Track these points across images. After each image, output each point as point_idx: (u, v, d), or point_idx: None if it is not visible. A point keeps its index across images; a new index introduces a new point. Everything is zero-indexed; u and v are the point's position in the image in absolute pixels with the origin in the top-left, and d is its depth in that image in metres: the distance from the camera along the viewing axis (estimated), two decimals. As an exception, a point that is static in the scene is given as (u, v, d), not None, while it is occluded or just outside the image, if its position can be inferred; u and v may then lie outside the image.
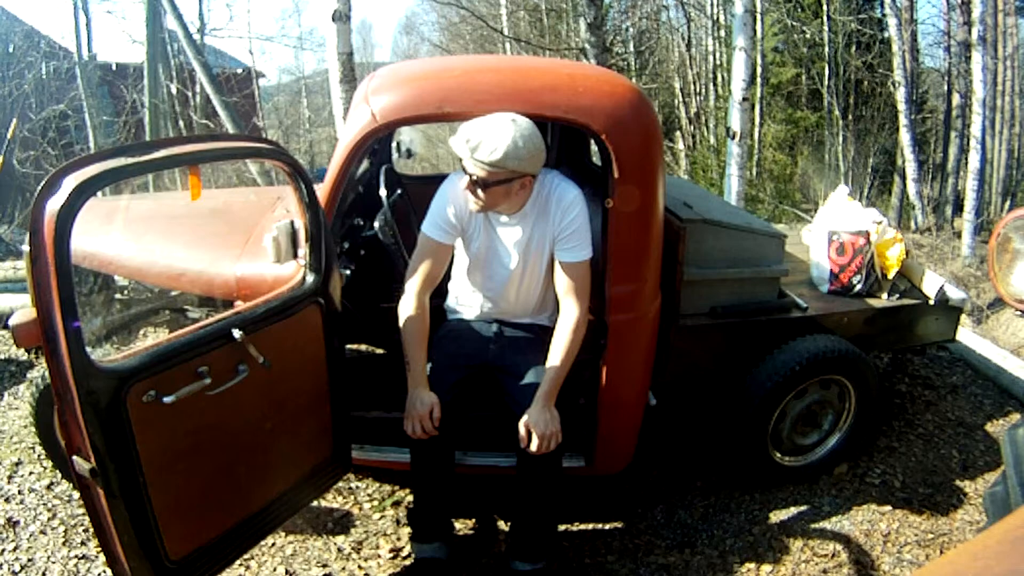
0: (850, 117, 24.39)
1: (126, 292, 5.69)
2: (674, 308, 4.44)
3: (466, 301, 4.34)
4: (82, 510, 4.53)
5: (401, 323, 3.82)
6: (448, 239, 3.93)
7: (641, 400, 4.30)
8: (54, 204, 2.53)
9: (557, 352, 3.77)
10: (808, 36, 24.16)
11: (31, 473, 5.14)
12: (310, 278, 3.66)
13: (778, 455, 4.93)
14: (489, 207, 3.74)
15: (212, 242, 4.73)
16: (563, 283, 3.87)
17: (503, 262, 4.02)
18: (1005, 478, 3.21)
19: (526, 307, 4.23)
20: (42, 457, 5.14)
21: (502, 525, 4.60)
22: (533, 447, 3.62)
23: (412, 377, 3.75)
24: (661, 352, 4.36)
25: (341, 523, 4.64)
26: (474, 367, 4.15)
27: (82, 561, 4.30)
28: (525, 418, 3.66)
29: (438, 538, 4.09)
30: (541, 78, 4.03)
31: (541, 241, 3.92)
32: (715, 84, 26.61)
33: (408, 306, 3.82)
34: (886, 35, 20.70)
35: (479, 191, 3.60)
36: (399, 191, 4.82)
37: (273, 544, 4.40)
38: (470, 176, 3.57)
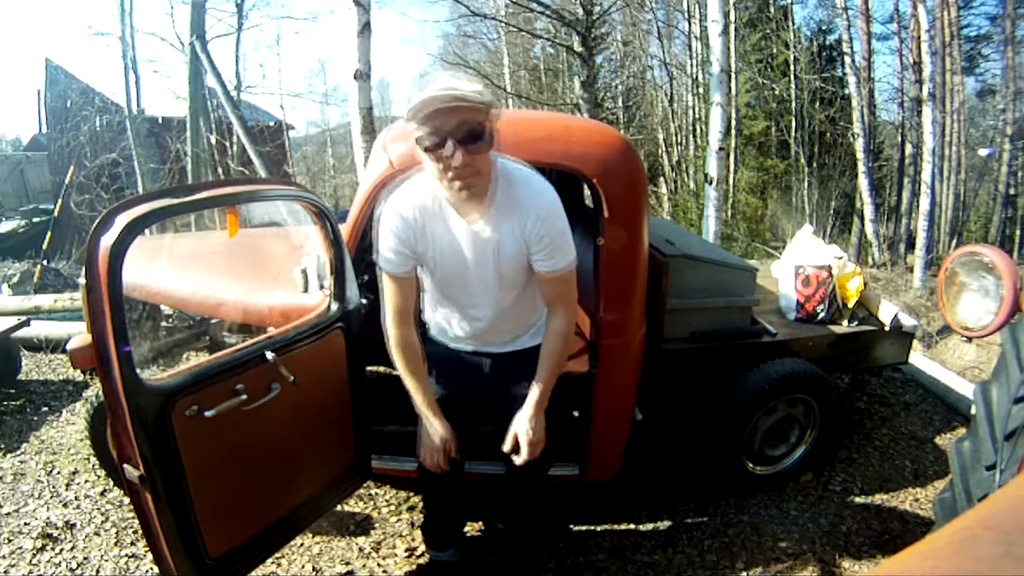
0: (814, 165, 24.49)
1: (171, 320, 5.71)
2: (658, 333, 4.45)
3: (450, 330, 3.66)
4: (132, 513, 4.54)
5: (395, 361, 3.42)
6: (403, 268, 3.26)
7: (628, 415, 4.31)
8: (108, 240, 2.56)
9: (545, 360, 3.34)
10: (777, 93, 24.23)
11: (86, 481, 5.15)
12: (335, 306, 3.69)
13: (750, 465, 4.93)
14: (476, 174, 2.89)
15: (247, 275, 4.76)
16: (546, 292, 3.32)
17: (477, 272, 3.28)
18: (952, 486, 3.23)
19: (516, 322, 3.57)
20: (96, 466, 5.13)
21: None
22: (524, 455, 3.27)
23: (421, 409, 3.43)
24: (647, 372, 4.36)
25: (362, 525, 4.64)
26: (472, 395, 3.73)
27: (132, 559, 4.31)
28: (514, 426, 3.29)
29: (452, 545, 4.08)
30: (540, 129, 4.05)
31: (514, 242, 3.16)
32: (694, 135, 26.64)
33: (395, 344, 3.37)
34: (846, 92, 20.79)
35: (464, 153, 2.78)
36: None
37: (301, 544, 4.40)
38: (451, 140, 2.74)
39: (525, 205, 3.10)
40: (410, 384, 3.40)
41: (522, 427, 3.27)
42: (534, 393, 3.31)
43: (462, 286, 3.38)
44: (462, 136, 2.76)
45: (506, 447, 3.32)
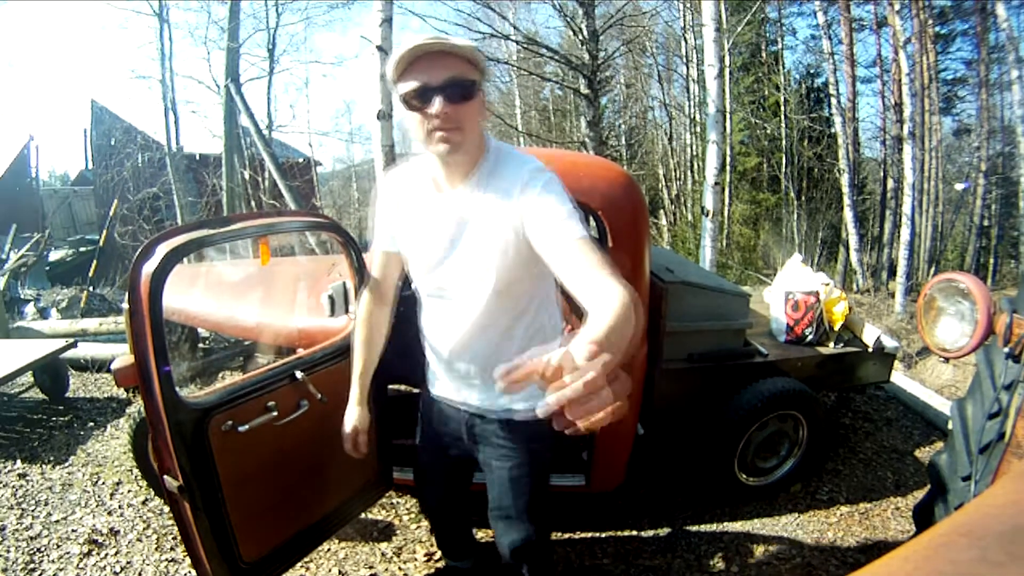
0: (803, 198, 24.46)
1: (207, 341, 5.74)
2: (658, 354, 4.46)
3: (430, 356, 2.93)
4: (171, 521, 4.55)
5: (354, 331, 3.05)
6: (385, 245, 2.80)
7: (631, 430, 4.30)
8: (149, 267, 2.59)
9: (604, 310, 1.79)
10: (768, 131, 24.24)
11: (129, 491, 5.17)
12: (359, 329, 3.66)
13: (743, 476, 4.92)
14: (458, 129, 2.31)
15: (278, 300, 4.78)
16: (577, 262, 2.09)
17: (448, 255, 2.56)
18: (931, 495, 3.23)
19: (497, 347, 2.61)
20: (138, 477, 5.16)
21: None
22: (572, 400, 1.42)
23: (351, 389, 3.07)
24: (648, 390, 4.37)
25: (384, 532, 4.65)
26: (460, 454, 3.04)
27: (171, 564, 4.32)
28: (560, 353, 1.49)
29: (466, 555, 3.90)
30: (549, 165, 4.06)
31: (496, 218, 2.42)
32: (692, 171, 26.64)
33: (359, 314, 3.00)
34: (833, 131, 20.79)
35: (449, 107, 2.26)
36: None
37: (328, 549, 4.41)
38: (438, 97, 2.24)
39: (513, 174, 2.45)
40: (353, 357, 3.03)
41: (583, 349, 1.52)
42: (595, 323, 1.73)
43: (435, 278, 2.63)
44: (450, 89, 2.26)
45: (534, 375, 1.51)
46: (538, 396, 1.88)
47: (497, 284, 2.50)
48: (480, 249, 2.48)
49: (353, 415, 3.06)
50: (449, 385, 2.89)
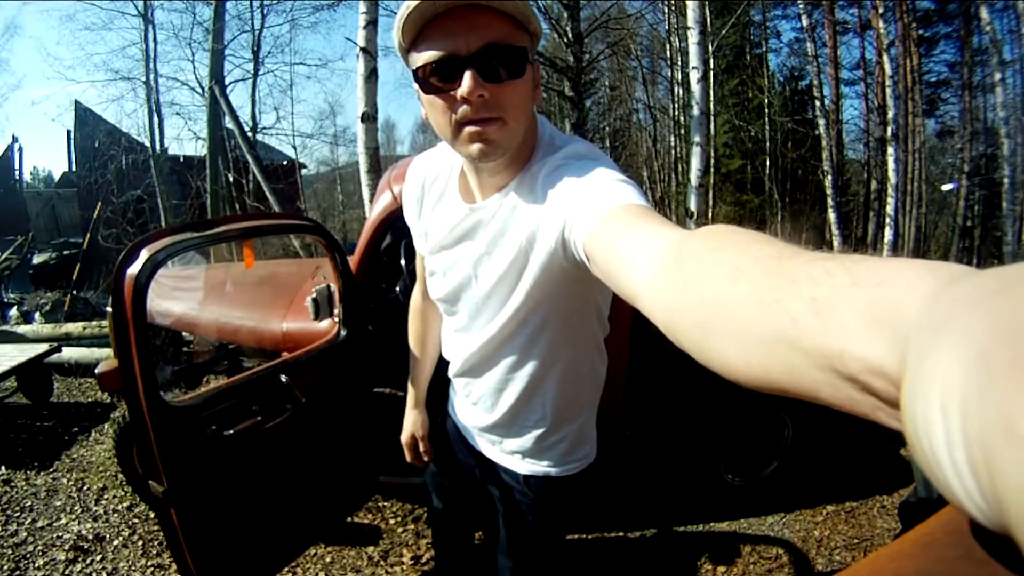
0: (787, 200, 24.55)
1: (192, 345, 5.72)
2: (645, 356, 4.45)
3: (451, 371, 2.24)
4: (157, 526, 4.54)
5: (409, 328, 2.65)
6: (424, 245, 2.11)
7: (617, 430, 4.30)
8: (133, 270, 2.58)
9: None
10: (752, 134, 24.31)
11: (114, 496, 5.14)
12: (343, 332, 3.68)
13: (730, 476, 4.93)
14: (504, 130, 1.56)
15: (262, 303, 4.79)
16: (623, 225, 1.37)
17: (460, 282, 1.95)
18: (916, 493, 3.25)
19: (510, 401, 2.04)
20: (123, 483, 5.12)
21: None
22: None
23: (408, 392, 2.70)
24: (634, 392, 4.37)
25: (371, 536, 4.63)
26: (470, 480, 2.53)
27: (158, 570, 4.30)
28: None
29: (459, 555, 3.89)
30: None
31: (516, 244, 1.70)
32: (676, 173, 26.68)
33: (411, 310, 2.60)
34: (816, 133, 20.92)
35: (486, 87, 1.49)
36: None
37: (315, 553, 4.40)
38: (470, 71, 1.47)
39: (548, 168, 1.63)
40: (410, 361, 2.66)
41: None
42: None
43: (447, 297, 2.03)
44: (487, 61, 1.50)
45: None
46: (558, 458, 2.15)
47: (511, 330, 1.89)
48: (492, 278, 1.81)
49: (409, 421, 2.65)
50: (463, 406, 2.30)
